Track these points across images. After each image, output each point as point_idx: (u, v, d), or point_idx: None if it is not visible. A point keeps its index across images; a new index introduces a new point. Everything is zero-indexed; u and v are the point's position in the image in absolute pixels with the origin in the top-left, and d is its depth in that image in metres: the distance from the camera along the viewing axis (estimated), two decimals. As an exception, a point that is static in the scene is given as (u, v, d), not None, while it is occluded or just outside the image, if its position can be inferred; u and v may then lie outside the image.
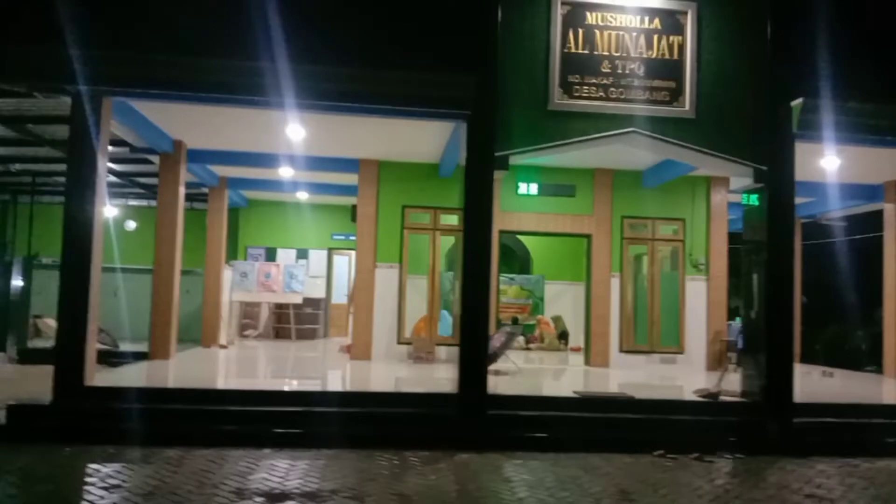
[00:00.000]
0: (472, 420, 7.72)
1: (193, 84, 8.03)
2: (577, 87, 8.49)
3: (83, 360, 7.68)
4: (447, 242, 13.02)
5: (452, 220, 12.16)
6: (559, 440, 7.61)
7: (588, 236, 12.22)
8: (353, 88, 8.07)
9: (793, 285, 8.36)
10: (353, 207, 16.94)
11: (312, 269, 17.47)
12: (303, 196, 15.95)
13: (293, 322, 16.29)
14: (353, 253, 18.21)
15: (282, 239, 17.51)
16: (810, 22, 8.11)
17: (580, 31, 8.54)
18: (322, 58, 8.03)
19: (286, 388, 9.31)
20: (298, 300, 16.20)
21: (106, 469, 6.26)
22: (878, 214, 12.73)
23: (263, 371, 11.00)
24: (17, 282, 15.29)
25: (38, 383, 10.97)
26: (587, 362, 12.12)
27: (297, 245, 17.60)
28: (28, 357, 13.74)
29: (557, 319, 16.01)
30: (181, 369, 10.27)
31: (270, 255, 17.41)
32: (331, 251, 17.91)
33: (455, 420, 7.74)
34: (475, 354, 7.87)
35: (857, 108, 8.11)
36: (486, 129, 7.99)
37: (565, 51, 8.51)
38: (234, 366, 11.63)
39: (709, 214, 12.39)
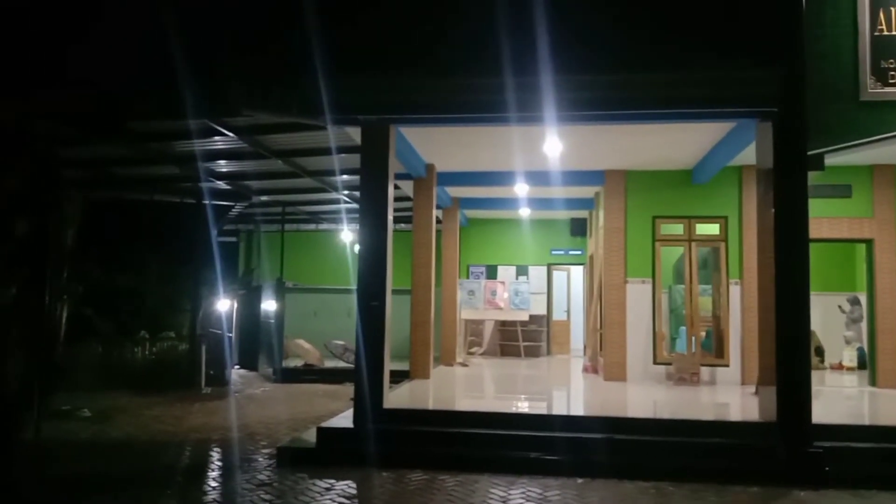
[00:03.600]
0: (796, 452, 6.92)
1: (466, 105, 7.95)
2: (894, 72, 7.50)
3: (381, 384, 7.77)
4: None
5: (710, 229, 11.36)
6: (903, 476, 6.65)
7: (869, 241, 10.89)
8: (640, 95, 7.62)
9: None
10: (573, 221, 16.75)
11: (532, 285, 17.22)
12: (524, 213, 15.80)
13: (521, 339, 16.09)
14: (571, 268, 17.97)
15: (502, 256, 17.48)
16: None
17: (893, 9, 7.59)
18: (595, 66, 7.67)
19: (579, 413, 8.97)
20: (525, 317, 16.01)
21: (441, 497, 6.18)
22: None
23: (529, 392, 10.74)
24: (265, 305, 16.36)
25: (308, 403, 11.60)
26: (873, 383, 10.76)
27: (517, 262, 17.49)
28: (285, 376, 14.61)
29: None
30: (448, 389, 10.33)
31: (491, 273, 17.41)
32: (550, 267, 17.59)
33: (775, 452, 6.98)
34: (796, 378, 7.07)
35: None
36: (797, 127, 7.21)
37: (876, 34, 7.58)
38: (494, 385, 11.51)
39: None
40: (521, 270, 17.57)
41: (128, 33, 8.72)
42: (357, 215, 9.23)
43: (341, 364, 14.94)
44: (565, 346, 17.64)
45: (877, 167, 10.80)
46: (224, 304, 14.44)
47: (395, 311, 12.43)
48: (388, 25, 8.01)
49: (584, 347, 15.08)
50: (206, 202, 14.14)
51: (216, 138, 10.48)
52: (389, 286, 8.00)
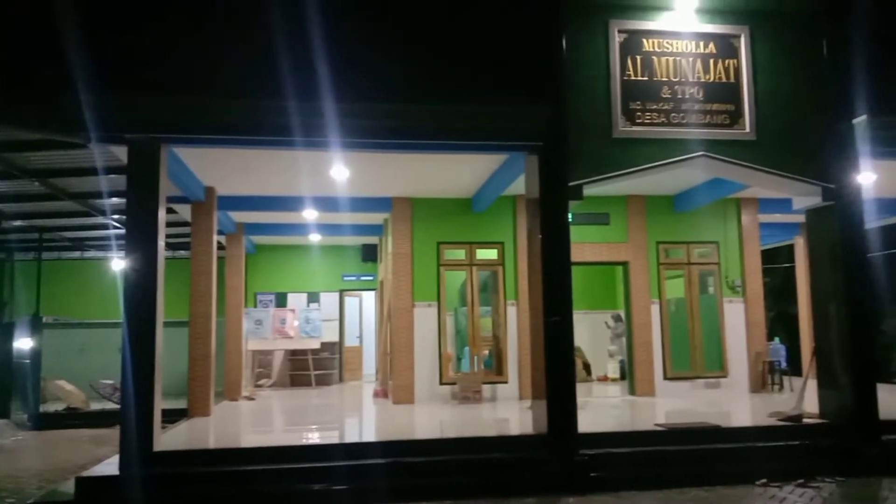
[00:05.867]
0: (565, 461, 7.41)
1: (246, 127, 7.74)
2: (640, 113, 8.43)
3: (151, 424, 7.16)
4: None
5: (489, 254, 11.97)
6: (656, 476, 7.39)
7: (625, 264, 12.11)
8: (416, 125, 7.89)
9: (871, 302, 8.29)
10: (364, 247, 16.83)
11: (324, 312, 17.00)
12: (315, 238, 15.60)
13: (312, 368, 15.76)
14: (363, 294, 18.00)
15: (292, 283, 17.06)
16: (868, 39, 8.19)
17: (638, 58, 8.52)
18: (373, 95, 7.84)
19: (365, 440, 8.91)
20: (316, 345, 15.74)
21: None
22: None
23: (317, 422, 10.49)
24: (18, 344, 14.52)
25: (70, 451, 10.42)
26: (632, 392, 11.91)
27: (308, 289, 17.17)
28: (42, 422, 12.99)
29: (577, 350, 15.78)
30: (231, 426, 9.80)
31: (281, 301, 16.93)
32: (342, 293, 17.50)
33: (547, 462, 7.43)
34: (563, 391, 7.60)
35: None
36: (559, 160, 7.86)
37: (625, 78, 8.46)
38: (281, 418, 11.11)
39: (741, 236, 12.40)
40: (313, 297, 17.28)
41: None
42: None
43: (110, 405, 13.60)
44: (358, 372, 17.59)
45: (630, 197, 12.07)
46: (-34, 344, 12.60)
47: (173, 344, 11.69)
48: (161, 42, 7.56)
49: (377, 372, 15.14)
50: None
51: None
52: (160, 318, 7.43)
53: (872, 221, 13.07)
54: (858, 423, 8.04)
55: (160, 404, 7.44)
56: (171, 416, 10.28)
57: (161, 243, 7.45)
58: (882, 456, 7.75)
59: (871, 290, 8.87)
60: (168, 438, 8.25)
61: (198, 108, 7.50)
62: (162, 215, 7.50)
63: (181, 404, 10.72)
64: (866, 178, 10.08)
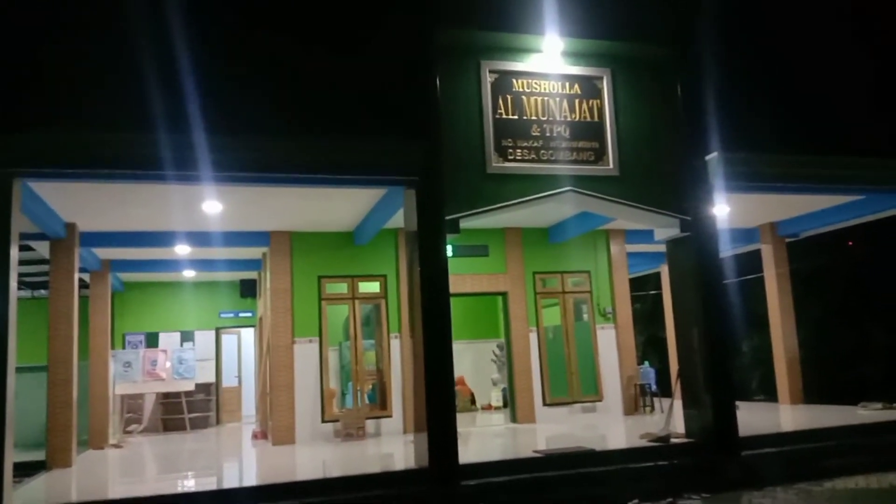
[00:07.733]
0: (447, 494, 7.44)
1: (108, 160, 7.42)
2: (511, 150, 8.75)
3: (0, 481, 6.58)
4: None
5: (372, 287, 11.92)
6: (535, 502, 7.53)
7: (504, 294, 12.41)
8: (290, 159, 7.87)
9: (729, 327, 8.90)
10: (242, 282, 16.34)
11: (199, 351, 16.27)
12: (189, 274, 14.99)
13: (186, 411, 15.01)
14: (242, 331, 17.40)
15: (164, 322, 16.23)
16: (718, 84, 8.94)
17: (509, 97, 8.86)
18: (252, 128, 7.78)
19: (241, 485, 8.50)
20: (191, 387, 15.03)
21: None
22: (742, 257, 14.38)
23: (189, 468, 9.96)
24: None
25: None
26: (514, 419, 12.13)
27: (181, 327, 16.38)
28: None
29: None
30: (94, 477, 9.15)
31: (151, 341, 16.06)
32: (219, 331, 16.84)
33: (429, 496, 7.42)
34: (443, 423, 7.64)
35: (766, 158, 8.99)
36: (435, 194, 8.01)
37: (497, 117, 8.77)
38: (153, 466, 10.47)
39: (610, 265, 13.02)
40: (187, 336, 16.50)
41: None
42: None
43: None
44: (237, 413, 16.91)
45: (507, 229, 12.43)
46: None
47: (30, 390, 10.84)
48: (13, 73, 7.16)
49: (256, 413, 14.62)
50: None
51: None
52: (13, 363, 6.88)
53: (727, 250, 14.12)
54: (720, 440, 8.56)
55: (12, 457, 6.86)
56: (27, 470, 9.53)
57: (13, 283, 6.94)
58: (742, 471, 8.27)
59: (728, 315, 9.53)
60: (22, 494, 7.65)
61: (54, 142, 7.12)
62: (14, 254, 7.00)
63: (39, 456, 9.91)
64: (720, 210, 10.93)
